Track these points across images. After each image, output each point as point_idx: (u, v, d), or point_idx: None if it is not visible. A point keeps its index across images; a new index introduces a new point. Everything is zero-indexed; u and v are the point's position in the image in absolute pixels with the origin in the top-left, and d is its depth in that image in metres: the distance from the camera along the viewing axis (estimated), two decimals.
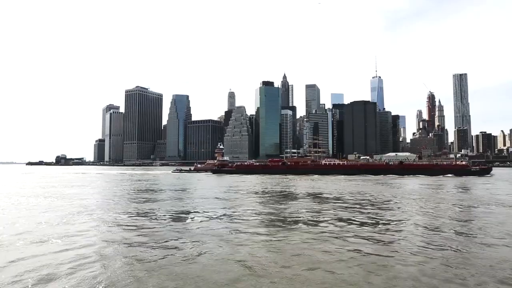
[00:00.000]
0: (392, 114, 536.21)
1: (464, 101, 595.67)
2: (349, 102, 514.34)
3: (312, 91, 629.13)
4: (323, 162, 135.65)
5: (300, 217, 26.95)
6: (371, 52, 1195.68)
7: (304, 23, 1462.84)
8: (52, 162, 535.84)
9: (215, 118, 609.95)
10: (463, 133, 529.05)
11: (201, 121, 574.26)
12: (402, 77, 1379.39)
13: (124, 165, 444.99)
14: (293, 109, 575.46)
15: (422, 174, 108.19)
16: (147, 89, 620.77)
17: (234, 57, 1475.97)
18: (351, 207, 32.34)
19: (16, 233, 20.38)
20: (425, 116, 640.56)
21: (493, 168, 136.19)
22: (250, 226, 22.76)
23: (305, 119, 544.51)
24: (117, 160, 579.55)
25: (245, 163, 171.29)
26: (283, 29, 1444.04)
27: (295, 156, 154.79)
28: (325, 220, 25.02)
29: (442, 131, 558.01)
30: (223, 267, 13.90)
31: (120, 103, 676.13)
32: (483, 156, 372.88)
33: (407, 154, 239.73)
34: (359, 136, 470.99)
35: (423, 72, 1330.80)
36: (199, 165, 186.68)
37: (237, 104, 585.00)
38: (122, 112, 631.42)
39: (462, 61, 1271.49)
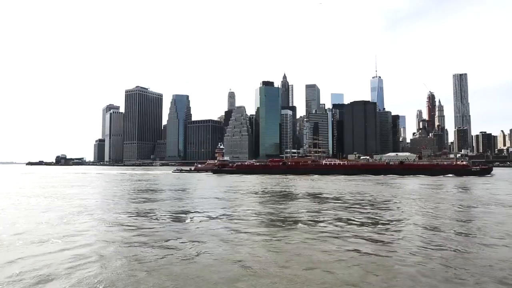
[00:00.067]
0: (392, 114, 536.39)
1: (464, 101, 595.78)
2: (349, 102, 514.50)
3: (312, 91, 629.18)
4: (324, 162, 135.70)
5: (299, 217, 26.97)
6: (371, 52, 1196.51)
7: (304, 23, 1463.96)
8: (52, 162, 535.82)
9: (215, 118, 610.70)
10: (463, 133, 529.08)
11: (201, 121, 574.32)
12: (402, 77, 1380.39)
13: (124, 165, 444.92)
14: (293, 109, 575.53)
15: (423, 174, 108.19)
16: (147, 89, 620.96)
17: (234, 57, 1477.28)
18: (351, 207, 32.36)
19: (16, 233, 20.40)
20: (425, 116, 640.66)
21: (493, 168, 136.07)
22: (250, 226, 22.77)
23: (305, 119, 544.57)
24: (117, 160, 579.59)
25: (246, 163, 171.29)
26: (283, 29, 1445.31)
27: (295, 156, 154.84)
28: (325, 220, 25.04)
29: (442, 131, 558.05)
30: (223, 267, 13.92)
31: (120, 103, 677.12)
32: (483, 156, 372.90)
33: (407, 154, 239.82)
34: (359, 136, 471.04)
35: (423, 72, 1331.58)
36: (199, 165, 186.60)
37: (237, 104, 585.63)
38: (122, 112, 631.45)
39: (462, 61, 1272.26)
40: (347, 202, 36.44)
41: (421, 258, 15.04)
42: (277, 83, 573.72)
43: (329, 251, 16.42)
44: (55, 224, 23.47)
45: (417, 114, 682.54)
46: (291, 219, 25.96)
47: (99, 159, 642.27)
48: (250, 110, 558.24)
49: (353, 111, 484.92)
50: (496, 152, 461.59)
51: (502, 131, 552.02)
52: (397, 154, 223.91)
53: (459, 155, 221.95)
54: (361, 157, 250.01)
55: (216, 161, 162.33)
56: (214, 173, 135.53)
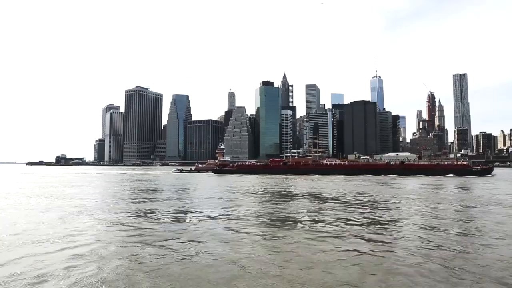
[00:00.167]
0: (392, 114, 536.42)
1: (464, 101, 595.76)
2: (349, 102, 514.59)
3: (312, 91, 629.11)
4: (324, 162, 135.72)
5: (299, 217, 26.99)
6: (371, 52, 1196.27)
7: (304, 23, 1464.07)
8: (52, 162, 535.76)
9: (215, 118, 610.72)
10: (463, 133, 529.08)
11: (201, 121, 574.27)
12: (402, 77, 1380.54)
13: (124, 165, 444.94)
14: (293, 109, 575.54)
15: (423, 174, 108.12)
16: (147, 89, 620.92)
17: (234, 57, 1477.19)
18: (350, 207, 32.37)
19: (16, 233, 20.42)
20: (425, 116, 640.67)
21: (494, 168, 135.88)
22: (249, 226, 22.79)
23: (305, 119, 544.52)
24: (117, 160, 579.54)
25: (246, 163, 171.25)
26: (283, 29, 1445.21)
27: (295, 156, 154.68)
28: (325, 220, 25.05)
29: (442, 131, 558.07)
30: (223, 267, 13.94)
31: (120, 103, 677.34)
32: (483, 156, 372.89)
33: (407, 154, 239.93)
34: (359, 136, 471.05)
35: (423, 72, 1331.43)
36: (200, 165, 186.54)
37: (237, 104, 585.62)
38: (122, 112, 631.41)
39: (462, 61, 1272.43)
40: (347, 202, 36.45)
41: (420, 258, 15.06)
42: (277, 83, 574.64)
43: (328, 251, 16.45)
44: (55, 224, 23.49)
45: (417, 114, 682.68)
46: (291, 219, 25.98)
47: (99, 159, 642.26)
48: (250, 110, 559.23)
49: (353, 111, 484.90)
50: (496, 152, 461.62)
51: (502, 131, 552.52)
52: (397, 154, 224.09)
53: (459, 155, 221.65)
54: (361, 157, 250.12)
55: (216, 161, 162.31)
56: (214, 173, 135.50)
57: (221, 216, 27.00)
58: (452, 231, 21.28)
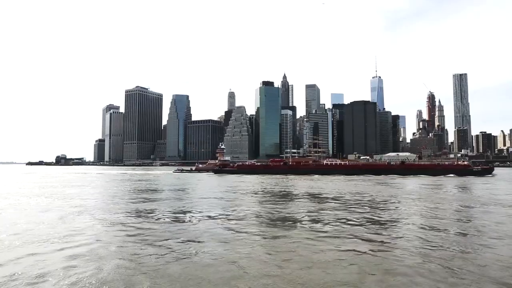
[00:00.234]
0: (392, 114, 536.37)
1: (464, 101, 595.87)
2: (349, 102, 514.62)
3: (312, 91, 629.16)
4: (325, 162, 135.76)
5: (299, 217, 27.01)
6: (371, 52, 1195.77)
7: (304, 23, 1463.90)
8: (52, 162, 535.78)
9: (215, 118, 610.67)
10: (463, 133, 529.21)
11: (201, 121, 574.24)
12: (402, 77, 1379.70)
13: (124, 165, 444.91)
14: (293, 109, 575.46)
15: (424, 174, 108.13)
16: (147, 89, 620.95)
17: (234, 57, 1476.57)
18: (350, 207, 32.39)
19: (16, 233, 20.45)
20: (425, 116, 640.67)
21: (494, 168, 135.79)
22: (249, 227, 22.82)
23: (305, 119, 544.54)
24: (117, 160, 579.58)
25: (247, 163, 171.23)
26: (283, 29, 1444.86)
27: (295, 156, 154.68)
28: (324, 220, 25.07)
29: (442, 131, 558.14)
30: (222, 267, 13.96)
31: (120, 103, 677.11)
32: (483, 156, 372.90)
33: (407, 154, 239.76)
34: (359, 136, 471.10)
35: (423, 72, 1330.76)
36: (200, 165, 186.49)
37: (237, 104, 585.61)
38: (122, 112, 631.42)
39: (462, 61, 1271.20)
40: (347, 202, 36.48)
41: (419, 258, 15.08)
42: (277, 83, 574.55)
43: (328, 251, 16.47)
44: (55, 224, 23.51)
45: (417, 114, 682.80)
46: (291, 219, 26.00)
47: (99, 159, 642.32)
48: (250, 110, 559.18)
49: (353, 111, 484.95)
50: (496, 152, 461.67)
51: (502, 131, 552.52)
52: (398, 154, 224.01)
53: (459, 155, 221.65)
54: (361, 157, 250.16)
55: (217, 161, 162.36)
56: (215, 173, 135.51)
57: (221, 216, 27.01)
58: (452, 231, 21.30)
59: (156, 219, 25.74)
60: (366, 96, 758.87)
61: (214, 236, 19.78)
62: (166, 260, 14.90)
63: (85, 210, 30.55)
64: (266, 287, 11.89)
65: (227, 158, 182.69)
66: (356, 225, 23.33)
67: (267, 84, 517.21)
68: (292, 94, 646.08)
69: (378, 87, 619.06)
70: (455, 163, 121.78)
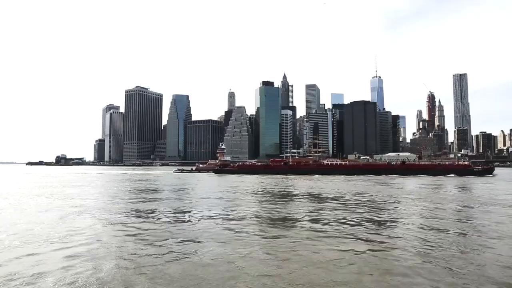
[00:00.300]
0: (392, 114, 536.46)
1: (464, 101, 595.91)
2: (349, 102, 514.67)
3: (312, 91, 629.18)
4: (325, 162, 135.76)
5: (299, 217, 27.00)
6: (371, 52, 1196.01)
7: (304, 23, 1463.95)
8: (52, 162, 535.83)
9: (215, 118, 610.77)
10: (463, 133, 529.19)
11: (201, 121, 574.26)
12: (402, 77, 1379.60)
13: (124, 165, 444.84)
14: (293, 109, 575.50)
15: (425, 174, 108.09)
16: (147, 89, 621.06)
17: (234, 57, 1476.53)
18: (350, 207, 32.38)
19: (15, 232, 20.45)
20: (425, 116, 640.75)
21: (495, 168, 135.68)
22: (249, 227, 22.82)
23: (305, 119, 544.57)
24: (117, 160, 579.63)
25: (247, 163, 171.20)
26: (283, 29, 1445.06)
27: (295, 156, 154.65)
28: (324, 220, 25.07)
29: (442, 131, 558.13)
30: (222, 267, 13.96)
31: (120, 103, 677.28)
32: (483, 156, 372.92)
33: (407, 154, 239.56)
34: (359, 136, 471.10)
35: (423, 72, 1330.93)
36: (200, 165, 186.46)
37: (237, 104, 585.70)
38: (122, 112, 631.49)
39: (462, 61, 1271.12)
40: (347, 202, 36.48)
41: (418, 258, 15.08)
42: (277, 83, 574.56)
43: (327, 251, 16.48)
44: (55, 224, 23.52)
45: (417, 114, 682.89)
46: (290, 219, 26.00)
47: (99, 159, 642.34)
48: (250, 110, 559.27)
49: (353, 111, 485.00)
50: (496, 152, 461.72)
51: (502, 131, 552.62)
52: (398, 154, 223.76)
53: (459, 155, 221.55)
54: (361, 157, 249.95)
55: (217, 161, 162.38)
56: (215, 173, 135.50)
57: (221, 216, 27.00)
58: (452, 231, 21.29)
59: (156, 219, 25.72)
60: (366, 96, 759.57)
61: (214, 236, 19.76)
62: (165, 260, 14.90)
63: (85, 210, 30.53)
64: (266, 287, 11.86)
65: (228, 158, 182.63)
66: (356, 225, 23.31)
67: (267, 84, 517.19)
68: (292, 94, 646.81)
69: (378, 87, 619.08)
70: (456, 163, 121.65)
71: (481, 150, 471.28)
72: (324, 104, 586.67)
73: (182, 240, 18.65)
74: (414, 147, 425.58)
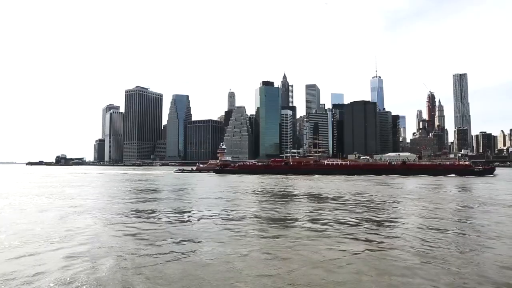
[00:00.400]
0: (392, 114, 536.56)
1: (464, 101, 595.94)
2: (349, 102, 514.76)
3: (312, 91, 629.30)
4: (326, 162, 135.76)
5: (299, 217, 27.01)
6: (371, 52, 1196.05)
7: (304, 23, 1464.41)
8: (52, 162, 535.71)
9: (215, 118, 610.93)
10: (463, 133, 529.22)
11: (201, 121, 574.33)
12: (402, 77, 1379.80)
13: (124, 165, 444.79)
14: (293, 109, 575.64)
15: (425, 174, 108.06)
16: (147, 89, 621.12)
17: (234, 57, 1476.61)
18: (350, 207, 32.38)
19: (15, 232, 20.45)
20: (425, 116, 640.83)
21: (495, 168, 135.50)
22: (249, 227, 22.82)
23: (305, 119, 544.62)
24: (117, 160, 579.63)
25: (247, 163, 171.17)
26: (283, 29, 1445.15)
27: (295, 156, 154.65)
28: (324, 220, 25.06)
29: (442, 131, 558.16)
30: (221, 267, 13.95)
31: (120, 103, 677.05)
32: (483, 156, 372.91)
33: (407, 154, 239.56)
34: (359, 136, 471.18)
35: (423, 72, 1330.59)
36: (201, 165, 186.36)
37: (237, 104, 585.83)
38: (122, 112, 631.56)
39: (462, 61, 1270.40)
40: (347, 202, 36.47)
41: (417, 258, 15.07)
42: (277, 83, 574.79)
43: (327, 251, 16.48)
44: (55, 224, 23.53)
45: (417, 114, 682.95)
46: (290, 219, 26.00)
47: (99, 159, 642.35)
48: (250, 110, 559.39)
49: (353, 111, 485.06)
50: (496, 152, 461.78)
51: (502, 131, 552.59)
52: (399, 154, 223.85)
53: (459, 155, 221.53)
54: (361, 157, 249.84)
55: (218, 161, 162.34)
56: (216, 173, 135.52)
57: (220, 216, 27.00)
58: (451, 231, 21.30)
59: (156, 219, 25.71)
60: (366, 96, 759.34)
61: (214, 236, 19.76)
62: (165, 260, 14.90)
63: (85, 210, 30.50)
64: (266, 287, 11.82)
65: (228, 158, 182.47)
66: (356, 225, 23.31)
67: (267, 84, 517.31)
68: (292, 94, 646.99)
69: (378, 87, 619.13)
70: (457, 163, 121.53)
71: (481, 150, 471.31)
72: (324, 104, 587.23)
73: (182, 240, 18.64)
74: (414, 147, 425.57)
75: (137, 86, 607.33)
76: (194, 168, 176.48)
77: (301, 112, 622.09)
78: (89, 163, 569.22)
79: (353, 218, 26.13)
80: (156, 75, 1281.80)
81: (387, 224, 23.83)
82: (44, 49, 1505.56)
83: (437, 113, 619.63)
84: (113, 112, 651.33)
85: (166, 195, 45.64)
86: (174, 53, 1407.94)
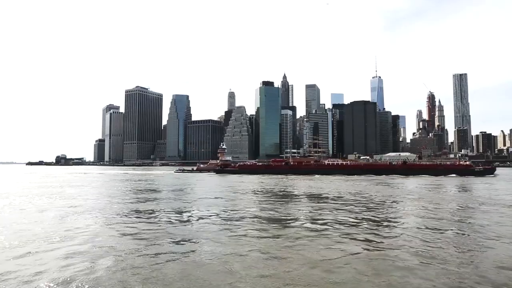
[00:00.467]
0: (392, 114, 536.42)
1: (464, 101, 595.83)
2: (349, 102, 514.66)
3: (312, 91, 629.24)
4: (326, 162, 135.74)
5: (299, 217, 27.02)
6: (371, 52, 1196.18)
7: (304, 23, 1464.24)
8: (52, 162, 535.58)
9: (215, 118, 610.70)
10: (463, 133, 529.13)
11: (201, 121, 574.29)
12: (402, 77, 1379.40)
13: (124, 165, 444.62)
14: (293, 109, 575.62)
15: (426, 174, 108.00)
16: (147, 89, 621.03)
17: (234, 57, 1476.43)
18: (350, 207, 32.37)
19: (15, 232, 20.45)
20: (425, 116, 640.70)
21: (496, 168, 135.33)
22: (249, 227, 22.82)
23: (305, 119, 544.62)
24: (117, 160, 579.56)
25: (248, 163, 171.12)
26: (283, 29, 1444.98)
27: (295, 156, 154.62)
28: (324, 220, 25.05)
29: (442, 131, 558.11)
30: (221, 267, 13.96)
31: (120, 103, 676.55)
32: (483, 156, 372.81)
33: (407, 154, 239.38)
34: (359, 136, 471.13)
35: (423, 72, 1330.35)
36: (201, 165, 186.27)
37: (237, 104, 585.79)
38: (122, 112, 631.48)
39: (462, 61, 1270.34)
40: (347, 202, 36.45)
41: (416, 259, 15.07)
42: (277, 83, 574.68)
43: (327, 250, 16.49)
44: (55, 223, 23.55)
45: (417, 114, 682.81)
46: (290, 219, 26.00)
47: (99, 159, 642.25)
48: (250, 110, 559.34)
49: (353, 111, 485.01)
50: (496, 152, 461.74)
51: (502, 131, 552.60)
52: (399, 154, 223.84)
53: (459, 155, 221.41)
54: (361, 157, 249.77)
55: (218, 161, 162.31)
56: (216, 173, 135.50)
57: (220, 216, 27.01)
58: (450, 231, 21.30)
59: (156, 219, 25.71)
60: (366, 96, 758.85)
61: (213, 236, 19.76)
62: (165, 260, 14.90)
63: (86, 210, 30.51)
64: (265, 287, 11.83)
65: (229, 158, 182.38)
66: (355, 225, 23.32)
67: (267, 84, 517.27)
68: (292, 94, 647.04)
69: (378, 87, 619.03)
70: (457, 163, 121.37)
71: (481, 150, 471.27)
72: (324, 104, 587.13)
73: (181, 240, 18.65)
74: (414, 147, 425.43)
75: (137, 86, 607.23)
76: (195, 168, 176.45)
77: (301, 112, 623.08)
78: (89, 163, 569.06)
79: (352, 218, 26.13)
80: (156, 75, 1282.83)
81: (386, 224, 23.83)
82: (44, 49, 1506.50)
83: (437, 113, 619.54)
84: (113, 112, 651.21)
85: (166, 195, 45.63)
86: (174, 53, 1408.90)
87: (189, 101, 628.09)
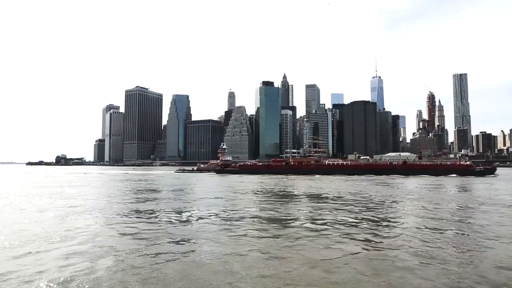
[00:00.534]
0: (392, 114, 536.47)
1: (464, 101, 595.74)
2: (349, 102, 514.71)
3: (312, 91, 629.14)
4: (326, 162, 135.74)
5: (299, 217, 27.01)
6: (371, 52, 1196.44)
7: (304, 23, 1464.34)
8: (52, 162, 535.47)
9: (215, 118, 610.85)
10: (463, 133, 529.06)
11: (201, 121, 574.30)
12: (402, 77, 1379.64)
13: (124, 165, 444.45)
14: (293, 109, 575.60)
15: (426, 174, 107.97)
16: (147, 89, 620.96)
17: (234, 57, 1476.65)
18: (349, 207, 32.37)
19: (15, 232, 20.44)
20: (425, 116, 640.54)
21: (496, 168, 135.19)
22: (249, 227, 22.82)
23: (305, 119, 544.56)
24: (117, 160, 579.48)
25: (248, 163, 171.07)
26: (283, 29, 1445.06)
27: (295, 156, 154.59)
28: (323, 220, 25.05)
29: (442, 131, 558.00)
30: (221, 267, 13.96)
31: (120, 103, 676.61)
32: (483, 156, 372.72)
33: (408, 154, 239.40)
34: (359, 136, 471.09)
35: (423, 72, 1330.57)
36: (202, 165, 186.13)
37: (237, 104, 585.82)
38: (122, 112, 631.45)
39: (462, 61, 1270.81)
40: (347, 202, 36.44)
41: (416, 259, 15.07)
42: (277, 83, 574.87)
43: (327, 250, 16.49)
44: (55, 223, 23.54)
45: (417, 114, 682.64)
46: (290, 219, 26.00)
47: (99, 159, 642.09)
48: (250, 110, 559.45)
49: (353, 111, 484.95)
50: (496, 152, 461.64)
51: (502, 131, 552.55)
52: (399, 155, 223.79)
53: (460, 155, 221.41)
54: (361, 157, 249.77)
55: (218, 161, 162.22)
56: (217, 173, 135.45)
57: (220, 216, 27.01)
58: (450, 231, 21.30)
59: (156, 219, 25.72)
60: (366, 96, 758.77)
61: (213, 236, 19.77)
62: (165, 259, 14.91)
63: (85, 210, 30.51)
64: (265, 287, 11.84)
65: (229, 158, 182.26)
66: (355, 225, 23.32)
67: (267, 84, 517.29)
68: (292, 94, 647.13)
69: (378, 87, 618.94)
70: (457, 163, 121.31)
71: (481, 150, 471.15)
72: (324, 104, 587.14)
73: (181, 240, 18.65)
74: (414, 147, 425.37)
75: (137, 86, 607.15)
76: (195, 168, 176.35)
77: (301, 112, 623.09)
78: (89, 163, 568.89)
79: (352, 218, 26.14)
80: (156, 75, 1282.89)
81: (386, 224, 23.83)
82: (44, 49, 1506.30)
83: (437, 113, 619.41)
84: (113, 112, 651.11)
85: (166, 195, 45.63)
86: (174, 53, 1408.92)
87: (189, 101, 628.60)
